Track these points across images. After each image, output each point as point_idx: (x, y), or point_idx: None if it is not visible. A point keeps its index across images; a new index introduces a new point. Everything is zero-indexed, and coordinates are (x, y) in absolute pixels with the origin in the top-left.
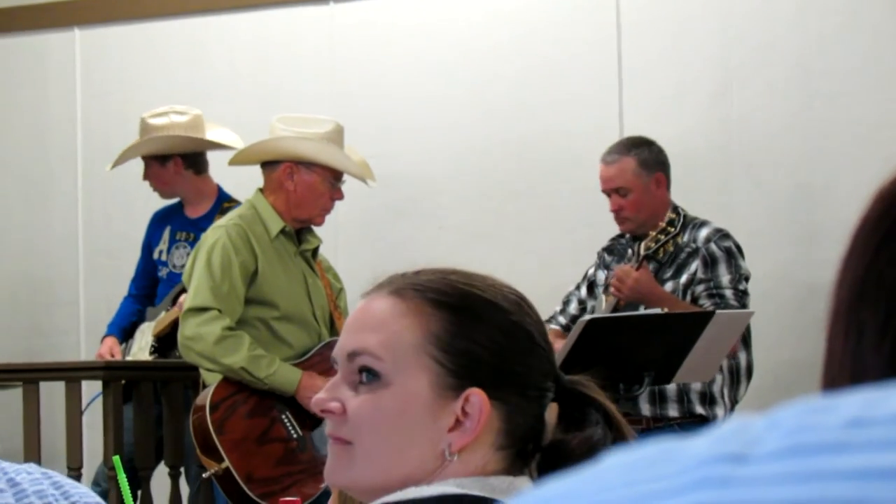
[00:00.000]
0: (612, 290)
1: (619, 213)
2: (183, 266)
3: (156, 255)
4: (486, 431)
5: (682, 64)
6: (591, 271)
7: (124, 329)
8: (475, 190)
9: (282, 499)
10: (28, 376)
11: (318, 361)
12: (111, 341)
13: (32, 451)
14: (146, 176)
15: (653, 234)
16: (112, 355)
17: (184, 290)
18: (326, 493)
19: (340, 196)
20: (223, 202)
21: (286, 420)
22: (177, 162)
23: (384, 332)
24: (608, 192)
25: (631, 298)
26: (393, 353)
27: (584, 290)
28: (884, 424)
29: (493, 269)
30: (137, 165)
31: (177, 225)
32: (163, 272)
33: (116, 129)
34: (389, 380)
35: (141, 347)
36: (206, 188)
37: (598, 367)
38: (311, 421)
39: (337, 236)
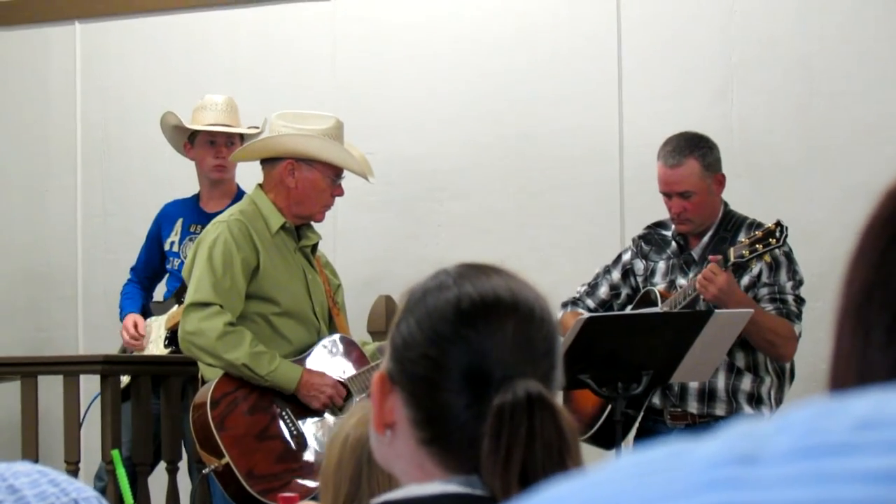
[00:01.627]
0: (697, 286)
1: (680, 216)
2: None
3: (167, 247)
4: (400, 419)
5: (682, 61)
6: (626, 257)
7: (142, 308)
8: (475, 186)
9: (280, 495)
10: (26, 370)
11: (319, 357)
12: (133, 316)
13: (30, 445)
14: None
15: (746, 241)
16: (136, 326)
17: None
18: None
19: (341, 192)
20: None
21: (286, 417)
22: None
23: None
24: (670, 193)
25: (715, 300)
26: None
27: (616, 275)
28: (893, 426)
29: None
30: (136, 159)
31: (192, 218)
32: (174, 263)
33: (116, 123)
34: None
35: (154, 341)
36: (233, 184)
37: (596, 365)
38: (310, 417)
39: (336, 233)
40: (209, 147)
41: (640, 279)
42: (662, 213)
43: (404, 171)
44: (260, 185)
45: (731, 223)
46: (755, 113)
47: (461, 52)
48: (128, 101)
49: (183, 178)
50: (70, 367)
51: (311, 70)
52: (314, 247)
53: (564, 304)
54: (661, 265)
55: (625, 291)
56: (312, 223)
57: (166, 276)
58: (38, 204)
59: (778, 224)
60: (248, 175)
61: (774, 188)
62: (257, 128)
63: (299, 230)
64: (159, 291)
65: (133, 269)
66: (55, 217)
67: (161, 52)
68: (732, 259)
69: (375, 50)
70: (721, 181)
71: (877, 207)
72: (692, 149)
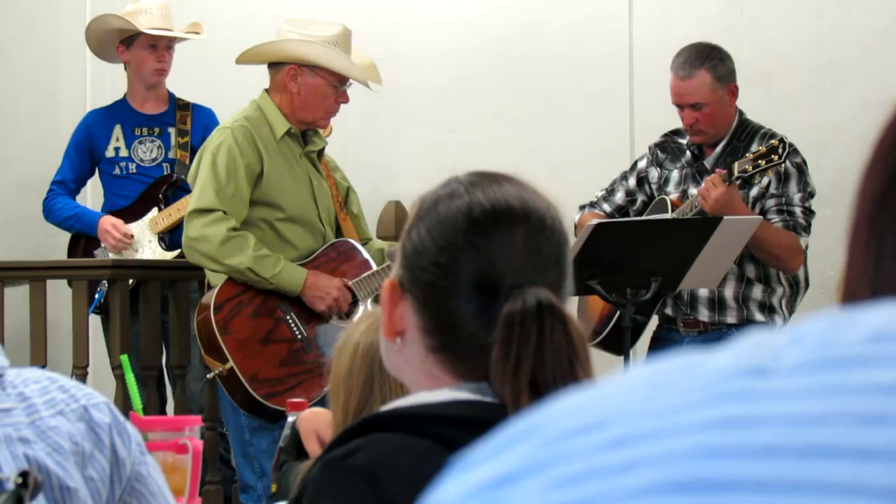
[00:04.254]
0: (698, 198)
1: (693, 127)
2: (153, 160)
3: (109, 154)
4: (410, 327)
5: None
6: (641, 164)
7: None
8: (484, 93)
9: (289, 399)
10: (34, 274)
11: (324, 262)
12: (109, 217)
13: (39, 350)
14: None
15: (751, 156)
16: (116, 227)
17: (163, 184)
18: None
19: (345, 99)
20: (176, 101)
21: (291, 320)
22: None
23: None
24: (682, 105)
25: (714, 212)
26: None
27: (632, 182)
28: None
29: (500, 170)
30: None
31: (131, 121)
32: (130, 168)
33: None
34: None
35: (145, 246)
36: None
37: (604, 272)
38: (315, 321)
39: (345, 138)
40: (150, 51)
41: (654, 187)
42: (671, 122)
43: (413, 78)
44: (266, 91)
45: (746, 132)
46: (766, 20)
47: None
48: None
49: (186, 93)
50: (79, 272)
51: None
52: (320, 152)
53: (582, 207)
54: (675, 174)
55: (640, 198)
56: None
57: (94, 180)
58: (49, 112)
59: (781, 141)
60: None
61: (785, 96)
62: (198, 34)
63: (305, 136)
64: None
65: (58, 182)
66: (64, 124)
67: None
68: (736, 173)
69: None
70: (734, 91)
71: (890, 118)
72: (703, 60)
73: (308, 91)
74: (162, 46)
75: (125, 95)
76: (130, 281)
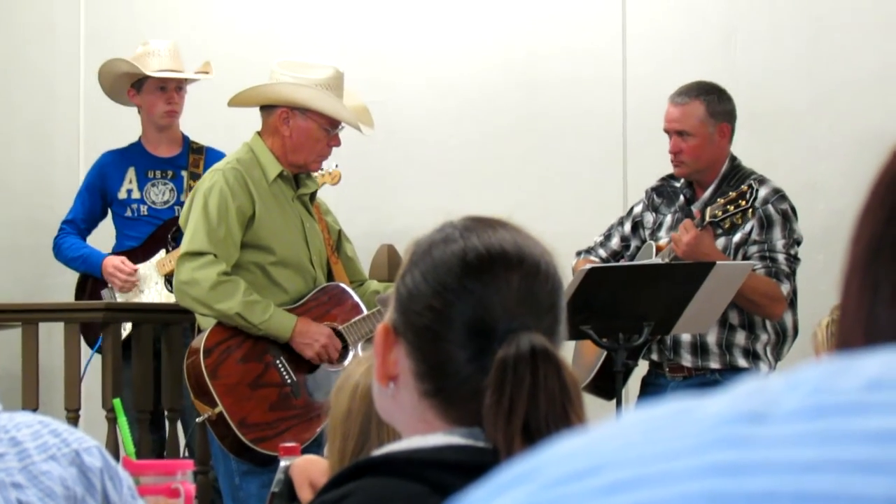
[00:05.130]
0: (672, 244)
1: (676, 156)
2: (165, 202)
3: (122, 196)
4: (404, 371)
5: (686, 9)
6: (637, 209)
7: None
8: (477, 135)
9: (281, 444)
10: (27, 317)
11: (314, 307)
12: (115, 257)
13: (31, 393)
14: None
15: (721, 201)
16: (119, 267)
17: (172, 226)
18: (320, 439)
19: (337, 143)
20: (190, 144)
21: (280, 365)
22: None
23: None
24: (670, 132)
25: (686, 256)
26: None
27: (627, 227)
28: None
29: (499, 215)
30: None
31: (145, 164)
32: (142, 210)
33: None
34: None
35: (150, 287)
36: (179, 130)
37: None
38: (305, 366)
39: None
40: (160, 93)
41: (647, 232)
42: (665, 164)
43: (407, 120)
44: (258, 133)
45: (736, 178)
46: (759, 61)
47: (465, 1)
48: (132, 46)
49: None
50: (71, 314)
51: (313, 19)
52: (313, 195)
53: (579, 253)
54: (668, 218)
55: (634, 243)
56: (311, 173)
57: (104, 223)
58: (42, 151)
59: (749, 186)
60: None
61: (778, 138)
62: (207, 73)
63: (297, 178)
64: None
65: (68, 222)
66: (59, 164)
67: None
68: (707, 218)
69: (378, 1)
70: (725, 133)
71: (885, 164)
72: (701, 93)
73: (300, 134)
74: (171, 88)
75: (140, 138)
76: (129, 325)
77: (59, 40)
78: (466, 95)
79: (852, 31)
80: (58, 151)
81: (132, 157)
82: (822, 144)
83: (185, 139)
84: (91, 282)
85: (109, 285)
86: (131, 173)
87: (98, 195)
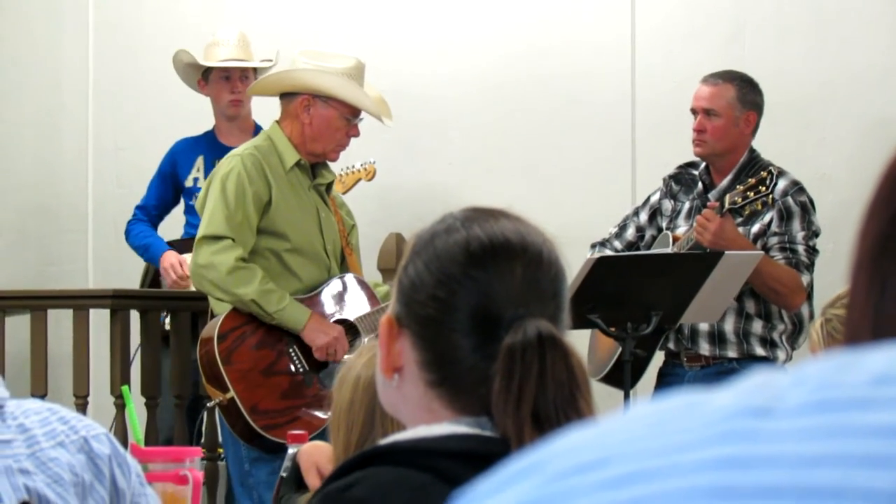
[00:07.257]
0: (695, 233)
1: (700, 134)
2: None
3: (189, 184)
4: (408, 362)
5: (695, 5)
6: (654, 198)
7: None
8: (485, 126)
9: (290, 431)
10: (36, 303)
11: (328, 295)
12: (173, 253)
13: (39, 379)
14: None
15: (741, 188)
16: (182, 265)
17: None
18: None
19: (356, 133)
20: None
21: (293, 354)
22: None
23: None
24: (697, 110)
25: (712, 245)
26: None
27: (644, 217)
28: None
29: (501, 205)
30: (148, 93)
31: (214, 153)
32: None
33: (128, 59)
34: None
35: None
36: (251, 119)
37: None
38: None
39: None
40: (224, 83)
41: (665, 220)
42: (674, 154)
43: (414, 109)
44: (277, 121)
45: (754, 168)
46: (768, 54)
47: None
48: (139, 37)
49: (192, 113)
50: (79, 301)
51: (326, 9)
52: (329, 185)
53: (594, 245)
54: (686, 206)
55: (650, 233)
56: (328, 163)
57: (175, 211)
58: (49, 139)
59: (769, 172)
60: (269, 110)
61: (787, 130)
62: (271, 61)
63: (314, 168)
64: (170, 230)
65: (141, 207)
66: (66, 152)
67: None
68: (727, 205)
69: None
70: (751, 121)
71: (890, 161)
72: (735, 78)
73: (320, 122)
74: (235, 77)
75: (213, 127)
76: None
77: (68, 30)
78: (476, 87)
79: (861, 23)
80: (66, 141)
81: (203, 145)
82: (831, 136)
83: (258, 128)
84: (153, 269)
85: (162, 277)
86: (199, 162)
87: (170, 182)
